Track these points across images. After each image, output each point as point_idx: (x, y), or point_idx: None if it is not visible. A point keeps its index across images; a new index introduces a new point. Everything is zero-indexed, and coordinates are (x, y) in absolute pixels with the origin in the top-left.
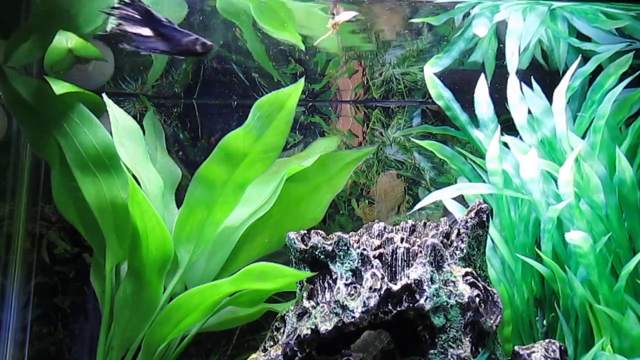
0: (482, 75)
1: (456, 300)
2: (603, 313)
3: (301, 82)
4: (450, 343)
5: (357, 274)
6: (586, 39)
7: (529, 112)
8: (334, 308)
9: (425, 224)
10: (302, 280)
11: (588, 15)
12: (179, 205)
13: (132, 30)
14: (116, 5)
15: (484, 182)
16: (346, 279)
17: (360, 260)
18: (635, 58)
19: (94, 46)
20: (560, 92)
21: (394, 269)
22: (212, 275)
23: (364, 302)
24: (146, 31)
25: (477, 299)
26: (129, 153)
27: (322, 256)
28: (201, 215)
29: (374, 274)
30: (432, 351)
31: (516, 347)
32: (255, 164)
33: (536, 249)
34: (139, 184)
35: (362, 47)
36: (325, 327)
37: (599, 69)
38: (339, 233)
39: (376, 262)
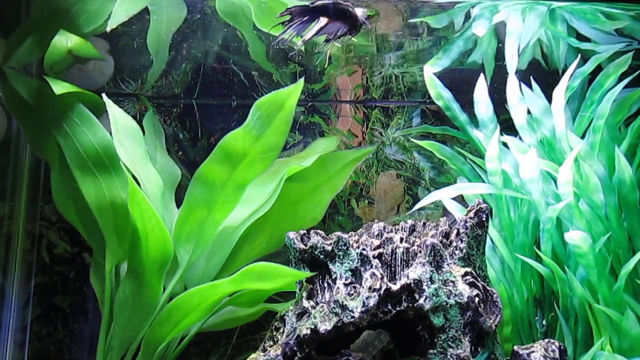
0: (482, 75)
1: (455, 300)
2: (602, 313)
3: (301, 82)
4: (449, 343)
5: (356, 274)
6: (585, 39)
7: (529, 112)
8: (334, 308)
9: (424, 224)
10: (301, 280)
11: (587, 15)
12: (179, 205)
13: (312, 34)
14: (286, 29)
15: (483, 182)
16: (345, 279)
17: (359, 260)
18: (634, 58)
19: (94, 46)
20: (560, 92)
21: (393, 269)
22: (211, 275)
23: (364, 302)
24: (322, 22)
25: (477, 299)
26: (128, 153)
27: (321, 256)
28: (201, 215)
29: (373, 274)
30: (431, 351)
31: (516, 347)
32: (255, 164)
33: (535, 249)
34: (138, 184)
35: (363, 47)
36: (325, 327)
37: (598, 69)
38: (338, 233)
39: (376, 262)
